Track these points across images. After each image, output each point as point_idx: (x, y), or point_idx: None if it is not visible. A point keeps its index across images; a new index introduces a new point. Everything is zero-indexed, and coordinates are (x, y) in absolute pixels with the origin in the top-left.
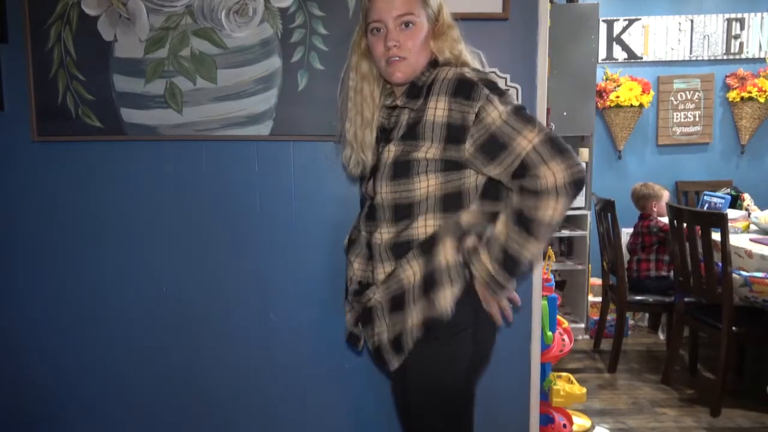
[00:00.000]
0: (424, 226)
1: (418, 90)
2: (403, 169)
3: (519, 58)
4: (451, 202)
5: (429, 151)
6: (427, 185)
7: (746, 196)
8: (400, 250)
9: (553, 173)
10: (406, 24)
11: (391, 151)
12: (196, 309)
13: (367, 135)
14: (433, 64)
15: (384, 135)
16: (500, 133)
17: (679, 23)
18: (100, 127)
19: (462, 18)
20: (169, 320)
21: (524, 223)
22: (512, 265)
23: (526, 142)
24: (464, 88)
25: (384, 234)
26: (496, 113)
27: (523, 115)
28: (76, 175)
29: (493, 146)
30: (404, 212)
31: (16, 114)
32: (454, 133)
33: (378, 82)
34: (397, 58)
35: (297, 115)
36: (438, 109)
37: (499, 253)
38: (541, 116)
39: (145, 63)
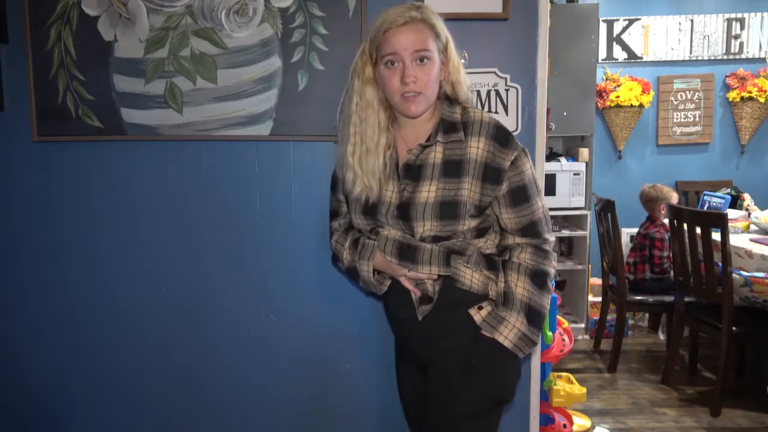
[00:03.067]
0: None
1: (451, 126)
2: (451, 210)
3: (519, 58)
4: (480, 232)
5: (471, 188)
6: (470, 225)
7: (746, 196)
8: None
9: (551, 239)
10: (422, 59)
11: (431, 191)
12: (196, 309)
13: (372, 161)
14: (449, 98)
15: (409, 173)
16: (528, 187)
17: (679, 23)
18: (100, 127)
19: (462, 18)
20: (168, 320)
21: (540, 277)
22: (538, 319)
23: (539, 205)
24: (503, 135)
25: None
26: (529, 166)
27: (537, 180)
28: (76, 175)
29: (520, 195)
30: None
31: (16, 114)
32: (491, 174)
33: (383, 108)
34: (414, 94)
35: (297, 115)
36: (479, 149)
37: (527, 310)
38: (541, 116)
39: (145, 63)
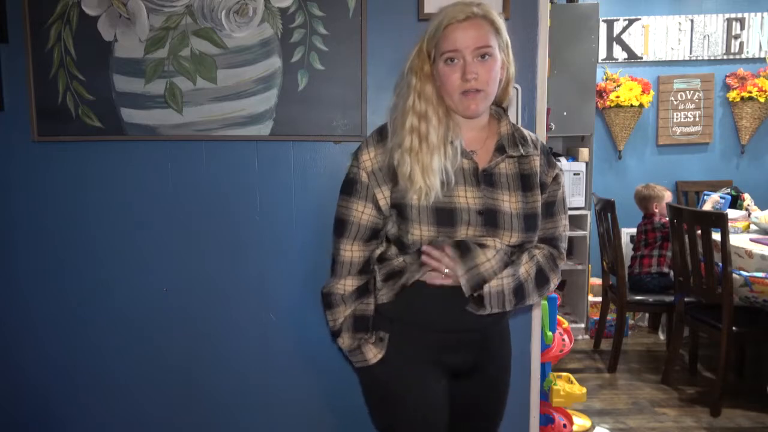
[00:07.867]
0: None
1: (523, 139)
2: (534, 223)
3: (519, 58)
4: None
5: (540, 200)
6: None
7: (746, 196)
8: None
9: (564, 258)
10: (483, 56)
11: (512, 201)
12: (196, 309)
13: (435, 161)
14: (495, 104)
15: (486, 178)
16: (558, 203)
17: (679, 23)
18: (100, 127)
19: None
20: (168, 320)
21: (542, 277)
22: (521, 297)
23: (563, 222)
24: (549, 154)
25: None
26: (563, 185)
27: (566, 200)
28: (76, 175)
29: (551, 209)
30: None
31: (16, 114)
32: (541, 185)
33: (442, 106)
34: (474, 91)
35: (297, 115)
36: (539, 165)
37: (516, 282)
38: (541, 116)
39: (145, 63)
